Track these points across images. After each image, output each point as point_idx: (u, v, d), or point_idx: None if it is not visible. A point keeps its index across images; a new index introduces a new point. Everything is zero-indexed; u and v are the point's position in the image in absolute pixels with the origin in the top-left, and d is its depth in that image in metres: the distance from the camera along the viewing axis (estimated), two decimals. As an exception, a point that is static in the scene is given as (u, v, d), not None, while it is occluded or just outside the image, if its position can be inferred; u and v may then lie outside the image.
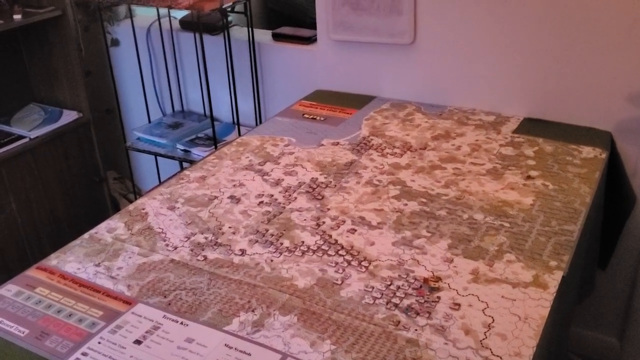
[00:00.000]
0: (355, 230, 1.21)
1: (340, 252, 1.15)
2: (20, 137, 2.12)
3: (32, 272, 1.13)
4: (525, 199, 1.28)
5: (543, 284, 1.03)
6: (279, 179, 1.41)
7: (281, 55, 2.08)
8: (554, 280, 1.04)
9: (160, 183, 1.43)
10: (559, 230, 1.17)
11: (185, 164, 2.16)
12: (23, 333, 0.98)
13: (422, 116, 1.71)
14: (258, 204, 1.32)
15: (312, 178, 1.41)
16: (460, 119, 1.68)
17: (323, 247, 1.16)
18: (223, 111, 2.28)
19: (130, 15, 2.26)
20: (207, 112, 2.31)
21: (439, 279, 1.06)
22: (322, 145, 1.58)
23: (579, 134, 1.56)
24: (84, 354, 0.93)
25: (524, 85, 1.66)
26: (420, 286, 1.05)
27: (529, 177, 1.36)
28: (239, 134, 2.14)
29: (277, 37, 2.10)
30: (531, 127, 1.61)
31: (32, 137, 2.13)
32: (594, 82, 1.56)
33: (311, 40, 2.01)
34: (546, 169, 1.39)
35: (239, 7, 2.05)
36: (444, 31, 1.71)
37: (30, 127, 2.18)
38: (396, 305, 1.00)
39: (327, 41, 1.90)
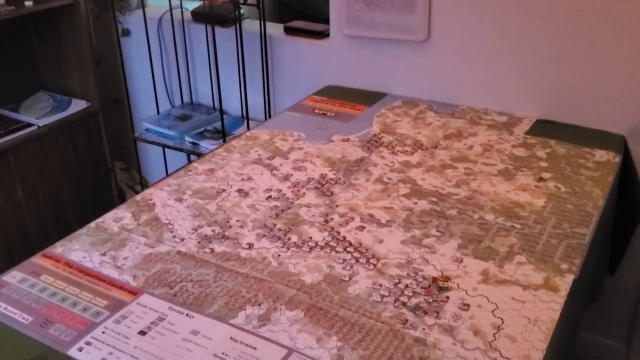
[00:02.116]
0: (364, 228, 1.20)
1: (348, 249, 1.13)
2: (29, 124, 2.12)
3: (37, 260, 1.12)
4: (537, 201, 1.26)
5: (554, 287, 1.01)
6: (287, 174, 1.40)
7: (293, 49, 2.06)
8: (565, 283, 1.02)
9: (168, 175, 1.42)
10: (571, 233, 1.15)
11: (193, 157, 2.15)
12: (27, 320, 0.97)
13: (434, 114, 1.70)
14: (266, 199, 1.31)
15: (322, 174, 1.40)
16: (473, 118, 1.66)
17: (331, 243, 1.15)
18: (232, 104, 2.26)
19: (142, 5, 2.25)
20: (217, 105, 2.30)
21: (448, 278, 1.05)
22: (332, 141, 1.56)
23: (592, 137, 1.54)
24: (88, 343, 0.92)
25: (537, 86, 1.64)
26: (429, 285, 1.03)
27: (541, 179, 1.35)
28: (248, 128, 2.13)
29: (289, 30, 2.08)
30: (544, 128, 1.59)
31: (40, 125, 2.12)
32: (608, 85, 1.55)
33: (323, 35, 2.00)
34: (559, 171, 1.38)
35: (251, 0, 2.03)
36: (458, 29, 1.69)
37: (39, 114, 2.17)
38: (404, 304, 0.99)
39: (340, 36, 1.89)
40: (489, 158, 1.45)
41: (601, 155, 1.45)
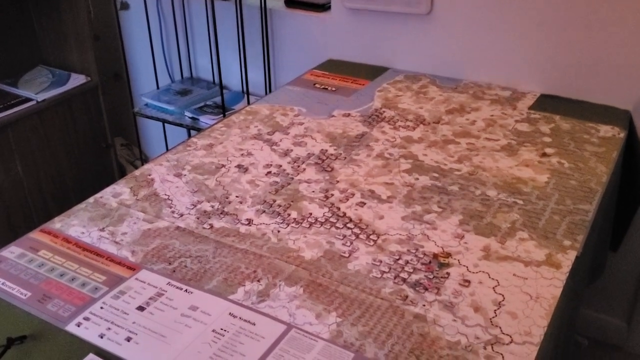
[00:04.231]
0: (365, 204, 1.18)
1: (348, 225, 1.12)
2: (28, 99, 2.10)
3: (35, 235, 1.12)
4: (540, 177, 1.25)
5: (556, 264, 1.00)
6: (287, 150, 1.39)
7: (293, 22, 2.03)
8: (567, 259, 1.01)
9: (168, 150, 1.41)
10: (574, 209, 1.14)
11: (193, 132, 2.14)
12: (25, 296, 0.97)
13: (436, 89, 1.67)
14: (266, 174, 1.29)
15: (322, 149, 1.38)
16: (476, 93, 1.64)
17: (331, 219, 1.14)
18: (232, 79, 2.24)
19: (141, -22, 2.22)
20: (217, 80, 2.27)
21: (449, 254, 1.04)
22: (333, 116, 1.54)
23: (597, 112, 1.52)
24: (86, 319, 0.92)
25: (542, 60, 1.61)
26: (430, 262, 1.02)
27: (544, 155, 1.33)
28: (248, 103, 2.11)
29: (289, 3, 2.05)
30: (548, 103, 1.57)
31: (39, 99, 2.11)
32: (614, 60, 1.52)
33: (325, 7, 1.97)
34: (562, 147, 1.36)
35: (251, -28, 2.00)
36: (461, 2, 1.66)
37: (38, 89, 2.15)
38: (404, 280, 0.98)
39: (341, 9, 1.85)
40: (492, 133, 1.43)
41: (606, 130, 1.43)
